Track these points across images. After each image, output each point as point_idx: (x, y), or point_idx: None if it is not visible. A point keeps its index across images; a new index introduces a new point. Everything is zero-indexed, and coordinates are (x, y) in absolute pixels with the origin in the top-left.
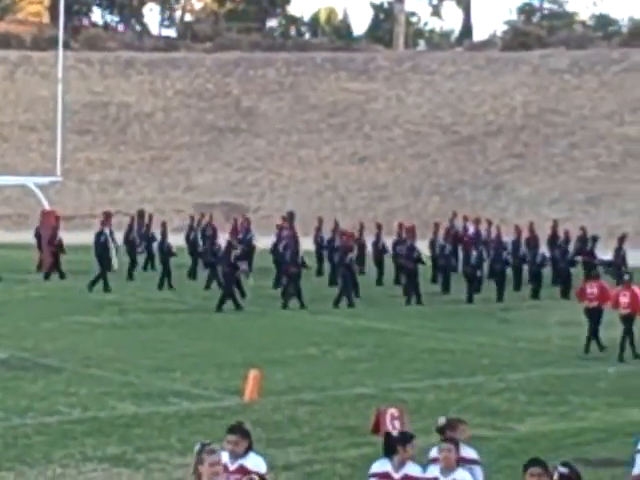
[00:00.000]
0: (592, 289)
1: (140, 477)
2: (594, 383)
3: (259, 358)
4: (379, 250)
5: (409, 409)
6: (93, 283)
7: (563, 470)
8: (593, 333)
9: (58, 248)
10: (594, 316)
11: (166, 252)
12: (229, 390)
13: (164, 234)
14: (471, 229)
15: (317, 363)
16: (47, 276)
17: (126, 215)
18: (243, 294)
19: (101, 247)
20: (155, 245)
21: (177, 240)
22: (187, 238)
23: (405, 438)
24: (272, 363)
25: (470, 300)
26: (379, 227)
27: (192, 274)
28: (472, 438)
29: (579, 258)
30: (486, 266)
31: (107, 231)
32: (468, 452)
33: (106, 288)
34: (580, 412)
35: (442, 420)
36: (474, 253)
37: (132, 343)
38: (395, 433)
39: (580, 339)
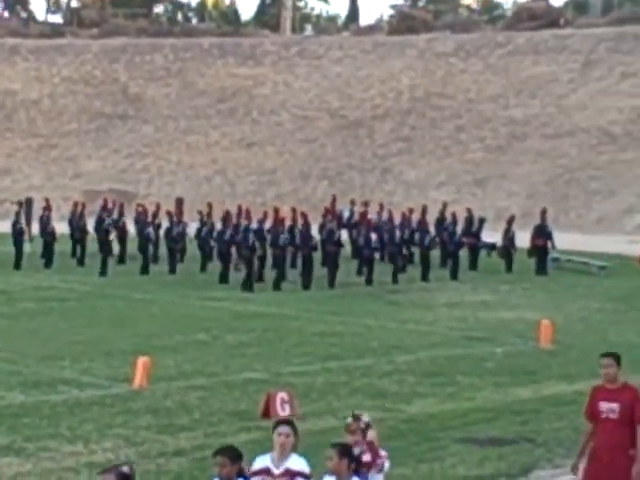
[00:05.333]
0: None
1: (30, 466)
2: (482, 363)
3: (148, 345)
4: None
5: (299, 393)
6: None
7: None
8: None
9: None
10: None
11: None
12: (118, 377)
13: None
14: (346, 213)
15: (207, 349)
16: None
17: (13, 204)
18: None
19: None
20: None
21: (62, 227)
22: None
23: None
24: (162, 349)
25: (369, 282)
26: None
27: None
28: None
29: (464, 240)
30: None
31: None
32: None
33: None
34: (468, 392)
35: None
36: (373, 236)
37: (20, 332)
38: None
39: (468, 320)
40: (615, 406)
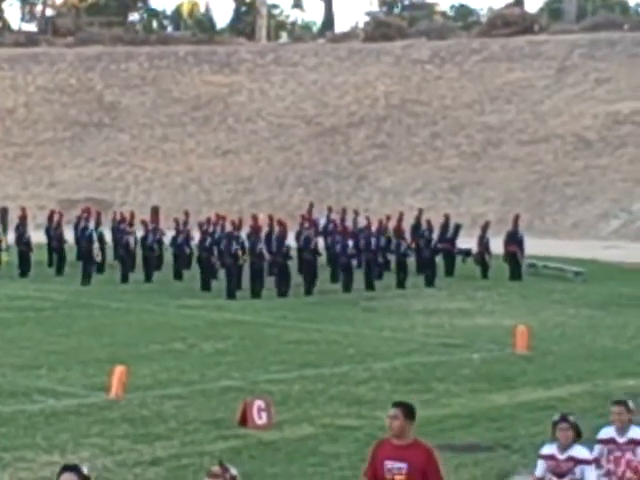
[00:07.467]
0: None
1: (6, 477)
2: (458, 370)
3: (125, 354)
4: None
5: (276, 400)
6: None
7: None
8: None
9: None
10: None
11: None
12: (95, 387)
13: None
14: (322, 221)
15: (183, 357)
16: None
17: None
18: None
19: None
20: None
21: (38, 236)
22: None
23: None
24: (138, 358)
25: (348, 289)
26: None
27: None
28: (339, 428)
29: (440, 246)
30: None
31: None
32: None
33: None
34: (444, 399)
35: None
36: (349, 243)
37: None
38: None
39: (444, 327)
40: (403, 466)
